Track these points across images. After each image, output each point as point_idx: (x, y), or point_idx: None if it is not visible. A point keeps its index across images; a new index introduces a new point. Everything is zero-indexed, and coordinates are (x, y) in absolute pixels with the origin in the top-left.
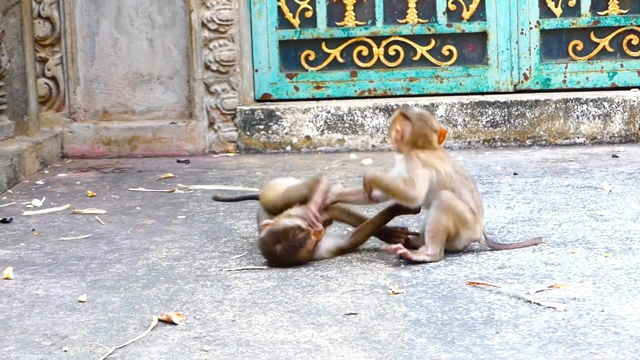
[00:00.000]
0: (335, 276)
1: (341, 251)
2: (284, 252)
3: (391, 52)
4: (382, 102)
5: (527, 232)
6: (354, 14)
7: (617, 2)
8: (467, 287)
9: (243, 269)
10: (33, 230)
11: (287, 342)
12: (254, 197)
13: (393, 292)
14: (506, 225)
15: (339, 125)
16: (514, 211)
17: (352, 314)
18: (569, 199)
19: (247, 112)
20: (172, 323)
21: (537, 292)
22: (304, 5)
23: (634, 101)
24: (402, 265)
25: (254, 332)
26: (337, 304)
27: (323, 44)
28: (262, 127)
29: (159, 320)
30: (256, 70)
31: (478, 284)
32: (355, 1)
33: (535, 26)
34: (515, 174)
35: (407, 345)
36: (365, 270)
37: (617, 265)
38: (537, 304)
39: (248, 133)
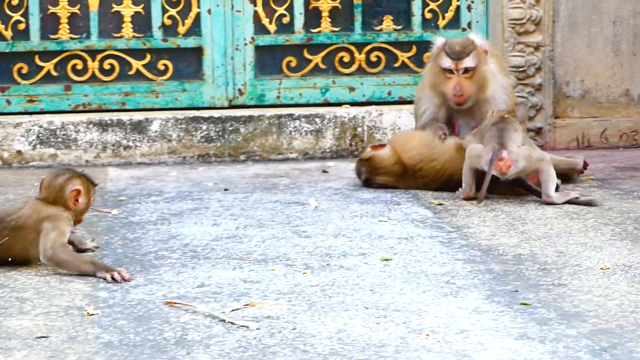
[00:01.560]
0: (30, 297)
1: None
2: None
3: (106, 66)
4: (96, 116)
5: (231, 249)
6: (69, 27)
7: (330, 20)
8: (164, 307)
9: None
10: None
11: None
12: None
13: (88, 313)
14: (210, 242)
15: (52, 140)
16: (220, 228)
17: (43, 337)
18: (275, 215)
19: None
20: None
21: (233, 310)
22: (16, 17)
23: (345, 117)
24: (102, 286)
25: None
26: (29, 327)
27: (36, 57)
28: None
29: None
30: None
31: (175, 303)
32: (69, 14)
33: (250, 42)
34: (226, 189)
35: None
36: (62, 291)
37: (314, 282)
38: (231, 323)
39: None
